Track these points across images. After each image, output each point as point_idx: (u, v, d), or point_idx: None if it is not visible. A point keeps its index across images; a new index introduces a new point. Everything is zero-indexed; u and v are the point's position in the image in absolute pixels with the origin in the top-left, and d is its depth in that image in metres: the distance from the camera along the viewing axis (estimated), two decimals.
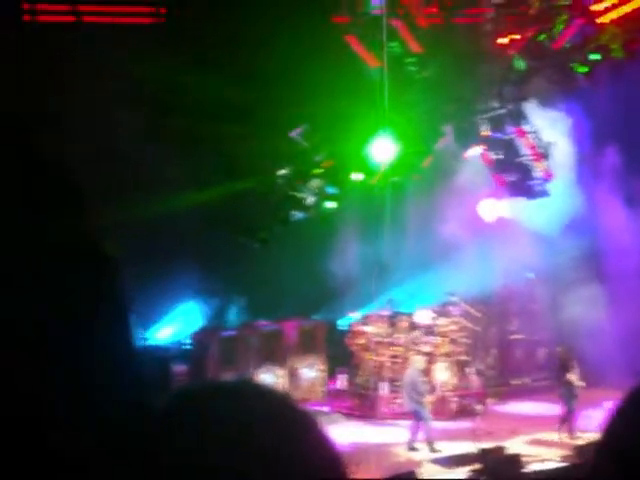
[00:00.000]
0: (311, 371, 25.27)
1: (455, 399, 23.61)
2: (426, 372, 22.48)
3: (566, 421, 20.70)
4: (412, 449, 19.76)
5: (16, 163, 1.33)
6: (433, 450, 19.44)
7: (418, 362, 21.46)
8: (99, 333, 1.33)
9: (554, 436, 20.73)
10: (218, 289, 25.22)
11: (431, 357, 23.88)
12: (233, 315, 25.74)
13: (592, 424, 20.47)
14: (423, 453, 19.45)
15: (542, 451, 19.35)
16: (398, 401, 23.30)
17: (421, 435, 19.93)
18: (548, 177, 23.82)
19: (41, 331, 1.25)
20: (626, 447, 1.43)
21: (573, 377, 20.75)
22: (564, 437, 20.42)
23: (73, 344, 1.29)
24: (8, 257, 1.26)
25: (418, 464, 18.42)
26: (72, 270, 1.32)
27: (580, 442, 19.28)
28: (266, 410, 1.46)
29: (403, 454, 19.59)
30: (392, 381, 24.01)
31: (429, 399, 21.11)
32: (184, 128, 21.09)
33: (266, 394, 1.51)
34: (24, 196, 1.32)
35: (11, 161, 1.33)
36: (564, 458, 18.56)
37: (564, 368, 20.98)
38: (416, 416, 20.10)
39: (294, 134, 22.87)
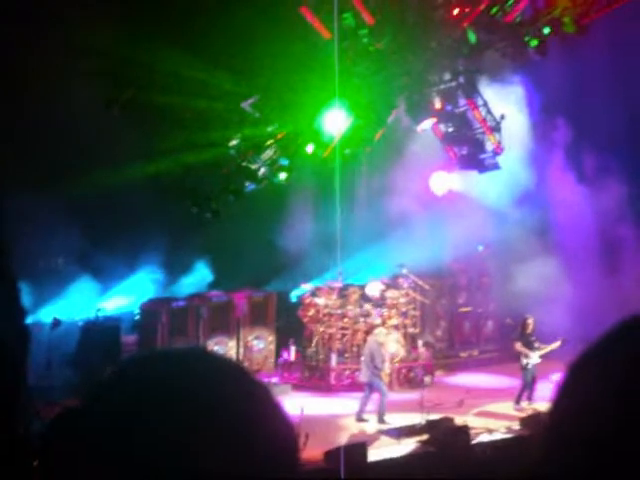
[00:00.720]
0: (261, 342, 25.29)
1: (404, 371, 23.74)
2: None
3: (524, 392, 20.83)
4: (361, 420, 19.84)
5: None
6: (383, 422, 19.52)
7: (379, 334, 21.48)
8: None
9: (501, 407, 20.90)
10: (170, 260, 25.15)
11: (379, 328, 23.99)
12: (184, 286, 25.68)
13: (539, 396, 20.81)
14: (372, 424, 19.54)
15: (489, 422, 19.50)
16: (347, 372, 23.45)
17: (373, 406, 19.99)
18: (499, 150, 23.97)
19: None
20: (566, 423, 1.43)
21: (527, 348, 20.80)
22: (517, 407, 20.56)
23: None
24: None
25: (368, 435, 18.48)
26: None
27: (526, 413, 19.49)
28: (216, 376, 1.44)
29: (353, 425, 19.65)
30: (342, 353, 24.12)
31: (386, 371, 21.16)
32: (136, 100, 20.90)
33: (217, 361, 1.50)
34: None
35: None
36: (511, 429, 18.73)
37: (523, 339, 21.04)
38: (370, 388, 20.14)
39: (246, 105, 22.75)
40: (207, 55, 20.81)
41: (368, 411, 19.98)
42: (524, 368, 20.80)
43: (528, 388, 20.70)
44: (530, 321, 21.14)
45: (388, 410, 19.84)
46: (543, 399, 19.56)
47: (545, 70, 24.27)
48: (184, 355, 1.48)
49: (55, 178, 21.07)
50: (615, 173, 25.66)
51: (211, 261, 25.85)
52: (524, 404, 20.53)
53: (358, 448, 16.45)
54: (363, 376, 20.49)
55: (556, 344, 20.56)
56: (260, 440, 1.41)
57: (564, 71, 25.07)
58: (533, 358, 20.64)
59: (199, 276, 25.83)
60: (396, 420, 19.45)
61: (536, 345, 20.77)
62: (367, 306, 24.66)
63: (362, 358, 21.13)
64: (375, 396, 20.02)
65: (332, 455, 15.71)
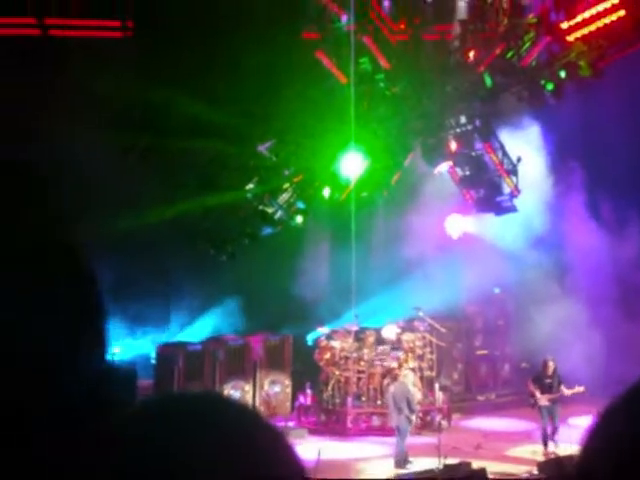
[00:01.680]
0: (277, 386, 25.20)
1: (420, 414, 23.60)
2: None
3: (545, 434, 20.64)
4: (399, 465, 19.67)
5: None
6: (402, 466, 19.38)
7: (408, 376, 21.38)
8: (80, 347, 1.33)
9: (519, 451, 20.76)
10: (186, 303, 25.14)
11: (397, 372, 23.90)
12: (200, 329, 25.66)
13: (557, 440, 20.65)
14: (389, 468, 19.41)
15: (507, 467, 19.36)
16: (364, 416, 23.33)
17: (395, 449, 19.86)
18: (516, 193, 23.96)
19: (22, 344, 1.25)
20: (596, 466, 1.43)
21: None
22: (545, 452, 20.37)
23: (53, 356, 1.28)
24: None
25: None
26: (53, 283, 1.31)
27: (545, 458, 19.34)
28: (232, 421, 1.44)
29: (369, 469, 19.54)
30: (358, 396, 24.01)
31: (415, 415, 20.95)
32: (154, 144, 21.04)
33: (232, 405, 1.50)
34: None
35: None
36: (529, 474, 18.58)
37: (537, 379, 20.89)
38: (398, 431, 20.03)
39: (262, 148, 22.87)
40: (224, 99, 20.93)
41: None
42: (536, 408, 20.65)
43: (546, 429, 20.49)
44: (550, 363, 20.96)
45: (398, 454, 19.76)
46: (563, 443, 19.44)
47: (560, 114, 24.29)
48: (197, 399, 1.48)
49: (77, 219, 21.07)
50: (633, 217, 25.59)
51: (226, 304, 25.80)
52: (552, 446, 20.27)
53: None
54: (393, 420, 20.36)
55: (577, 389, 20.38)
56: None
57: (579, 115, 25.12)
58: (541, 400, 20.48)
59: (213, 319, 25.79)
60: (413, 465, 19.33)
61: (553, 387, 20.58)
62: (383, 349, 24.57)
63: (389, 402, 20.95)
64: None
65: None
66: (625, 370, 16.18)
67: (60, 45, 22.10)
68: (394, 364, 24.07)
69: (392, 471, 19.23)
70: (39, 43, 22.12)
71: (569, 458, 17.15)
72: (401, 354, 24.40)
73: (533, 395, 20.64)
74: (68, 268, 1.39)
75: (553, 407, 20.51)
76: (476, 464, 18.62)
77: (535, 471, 18.60)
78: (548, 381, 20.74)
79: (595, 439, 1.46)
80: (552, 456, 19.32)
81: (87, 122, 20.93)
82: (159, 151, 20.96)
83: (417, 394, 23.54)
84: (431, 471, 18.48)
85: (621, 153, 25.39)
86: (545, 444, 20.37)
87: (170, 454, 1.33)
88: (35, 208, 1.37)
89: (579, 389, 20.30)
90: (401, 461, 19.54)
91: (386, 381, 23.99)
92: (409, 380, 21.17)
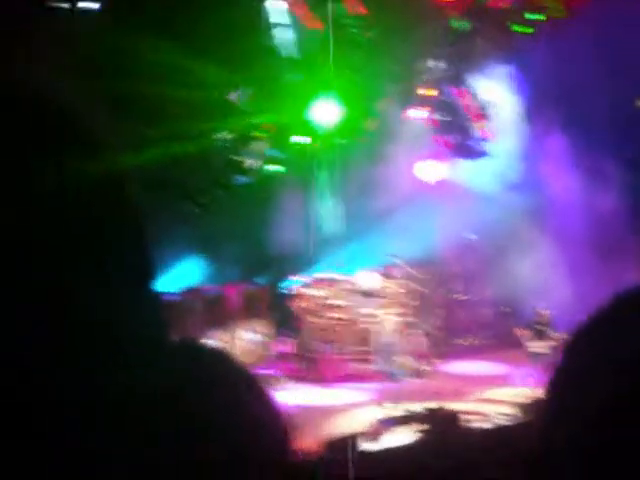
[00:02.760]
0: (255, 335, 25.31)
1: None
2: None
3: None
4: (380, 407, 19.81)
5: (31, 110, 1.30)
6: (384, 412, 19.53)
7: (390, 323, 21.53)
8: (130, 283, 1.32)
9: (500, 394, 20.93)
10: (160, 254, 25.10)
11: (374, 319, 24.06)
12: (175, 280, 25.66)
13: (535, 382, 20.83)
14: (368, 414, 19.53)
15: (488, 409, 19.53)
16: (342, 363, 23.50)
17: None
18: (488, 137, 24.05)
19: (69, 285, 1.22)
20: (559, 400, 1.40)
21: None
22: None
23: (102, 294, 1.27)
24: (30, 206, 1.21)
25: (364, 425, 18.48)
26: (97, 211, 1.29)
27: (525, 400, 19.51)
28: (215, 369, 1.42)
29: (348, 416, 19.67)
30: (336, 343, 24.17)
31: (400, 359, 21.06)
32: (123, 91, 20.85)
33: (215, 354, 1.48)
34: (47, 147, 1.28)
35: (25, 109, 1.30)
36: (510, 416, 18.76)
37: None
38: (389, 376, 20.22)
39: (234, 96, 22.76)
40: (193, 45, 20.76)
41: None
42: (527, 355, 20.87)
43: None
44: (544, 312, 21.19)
45: (386, 399, 19.87)
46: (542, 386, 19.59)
47: (534, 55, 24.26)
48: (175, 346, 1.46)
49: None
50: (610, 160, 25.63)
51: (201, 255, 25.84)
52: None
53: (353, 437, 16.43)
54: (380, 366, 20.55)
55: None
56: (250, 429, 1.38)
57: (553, 56, 25.05)
58: (534, 347, 20.65)
59: (190, 270, 25.81)
60: (392, 409, 19.46)
61: (545, 334, 20.75)
62: (361, 297, 24.71)
63: (372, 348, 21.14)
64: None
65: (327, 445, 15.69)
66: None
67: None
68: (371, 311, 24.23)
69: (373, 417, 19.37)
70: None
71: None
72: (380, 301, 24.55)
73: (527, 344, 20.86)
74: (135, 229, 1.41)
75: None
76: (456, 407, 18.81)
77: (517, 412, 18.79)
78: (540, 327, 20.95)
79: (559, 373, 1.44)
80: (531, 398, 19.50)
81: (55, 68, 20.70)
82: (128, 98, 20.79)
83: (397, 339, 23.74)
84: (411, 416, 18.63)
85: (596, 97, 25.38)
86: None
87: (146, 400, 1.29)
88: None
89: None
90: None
91: (362, 327, 24.18)
92: (390, 327, 21.33)
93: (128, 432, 1.28)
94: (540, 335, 20.73)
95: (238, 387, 1.43)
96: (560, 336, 20.62)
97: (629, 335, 1.33)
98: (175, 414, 1.32)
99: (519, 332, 21.09)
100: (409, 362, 23.49)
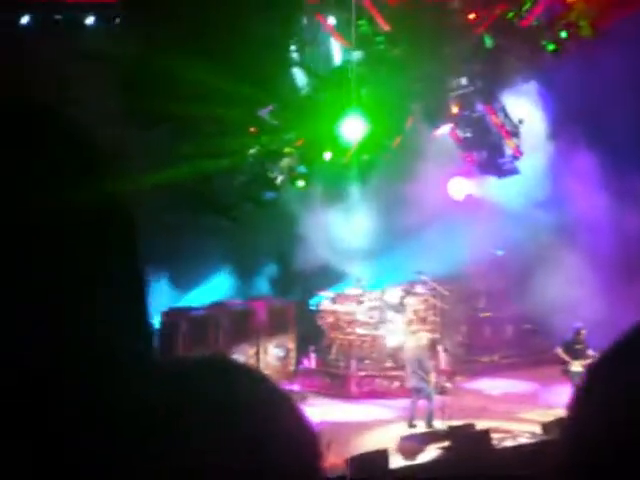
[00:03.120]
0: (281, 350, 25.26)
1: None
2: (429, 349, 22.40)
3: None
4: (412, 426, 19.76)
5: (41, 129, 1.32)
6: (431, 426, 19.50)
7: (422, 339, 21.43)
8: (123, 300, 1.33)
9: (523, 412, 20.85)
10: (189, 268, 25.11)
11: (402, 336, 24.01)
12: (204, 295, 25.70)
13: (560, 400, 20.73)
14: (393, 431, 19.50)
15: (512, 427, 19.46)
16: (367, 379, 23.43)
17: (421, 411, 19.92)
18: (518, 155, 23.95)
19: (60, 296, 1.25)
20: (580, 426, 1.43)
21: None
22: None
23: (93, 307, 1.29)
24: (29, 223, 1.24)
25: (390, 442, 18.44)
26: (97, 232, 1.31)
27: (549, 418, 19.41)
28: (247, 386, 1.45)
29: (374, 432, 19.65)
30: (362, 359, 24.10)
31: (433, 376, 20.88)
32: (155, 109, 20.93)
33: (236, 367, 1.51)
34: (49, 161, 1.31)
35: (36, 127, 1.32)
36: (534, 435, 18.69)
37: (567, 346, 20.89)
38: (417, 393, 20.11)
39: (264, 113, 22.80)
40: (225, 63, 20.80)
41: (418, 417, 19.94)
42: (568, 374, 20.61)
43: None
44: (583, 330, 20.99)
45: (408, 417, 19.85)
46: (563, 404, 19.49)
47: (562, 74, 24.18)
48: (203, 361, 1.49)
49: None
50: (636, 180, 25.43)
51: (229, 269, 25.82)
52: None
53: (380, 455, 16.43)
54: (410, 382, 20.45)
55: None
56: (282, 446, 1.39)
57: (580, 76, 24.96)
58: (574, 365, 20.44)
59: (218, 284, 25.80)
60: (418, 427, 19.44)
61: (582, 354, 20.54)
62: (387, 313, 24.65)
63: (406, 364, 21.03)
64: (421, 402, 19.99)
65: (354, 462, 15.70)
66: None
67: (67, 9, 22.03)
68: (398, 327, 24.17)
69: (398, 433, 19.32)
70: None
71: None
72: (404, 317, 24.48)
73: (565, 362, 20.65)
74: (126, 237, 1.40)
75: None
76: (480, 425, 18.74)
77: (539, 432, 18.71)
78: (579, 347, 20.75)
79: (581, 398, 1.46)
80: (554, 417, 19.39)
81: (92, 87, 20.83)
82: (160, 117, 20.86)
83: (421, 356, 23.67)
84: (435, 433, 18.60)
85: (623, 115, 25.27)
86: None
87: (182, 414, 1.33)
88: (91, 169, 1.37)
89: None
90: (430, 422, 19.60)
91: (390, 344, 24.12)
92: (422, 342, 21.20)
93: (149, 448, 1.29)
94: (577, 354, 20.50)
95: (267, 403, 1.43)
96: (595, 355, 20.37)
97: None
98: (202, 432, 1.33)
99: (558, 351, 20.87)
100: (432, 379, 23.45)
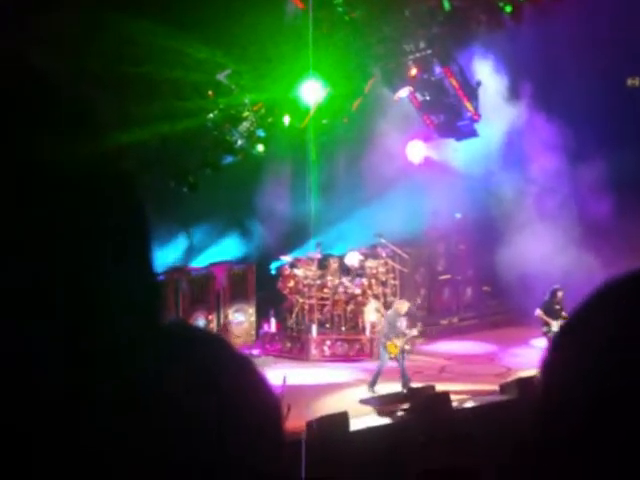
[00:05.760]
0: (242, 315, 25.29)
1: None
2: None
3: None
4: (372, 389, 19.77)
5: (22, 83, 1.29)
6: (372, 390, 19.55)
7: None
8: (127, 262, 1.31)
9: (482, 373, 21.01)
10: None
11: (360, 299, 24.09)
12: (162, 260, 25.60)
13: (519, 361, 20.94)
14: (354, 394, 19.60)
15: (471, 389, 19.62)
16: (328, 343, 23.52)
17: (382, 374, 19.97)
18: (476, 117, 23.98)
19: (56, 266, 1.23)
20: (552, 393, 1.44)
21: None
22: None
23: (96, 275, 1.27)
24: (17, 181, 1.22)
25: (349, 404, 18.54)
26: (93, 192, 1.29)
27: (507, 379, 19.60)
28: (209, 353, 1.45)
29: (334, 395, 19.72)
30: (322, 323, 24.18)
31: (395, 343, 20.76)
32: (110, 72, 20.71)
33: (197, 332, 1.51)
34: (37, 118, 1.28)
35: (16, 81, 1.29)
36: (492, 395, 18.85)
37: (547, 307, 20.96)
38: (375, 356, 20.21)
39: (221, 76, 22.64)
40: (181, 25, 20.61)
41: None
42: (546, 335, 20.68)
43: None
44: (559, 292, 21.05)
45: (369, 379, 19.94)
46: (526, 365, 19.71)
47: (519, 37, 24.19)
48: (165, 328, 1.48)
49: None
50: (592, 141, 25.54)
51: (188, 234, 25.72)
52: None
53: (339, 417, 16.52)
54: (366, 344, 20.54)
55: None
56: (245, 410, 1.40)
57: (538, 38, 24.98)
58: (554, 326, 20.52)
59: (177, 249, 25.70)
60: (378, 389, 19.53)
61: (562, 314, 20.64)
62: (346, 276, 24.72)
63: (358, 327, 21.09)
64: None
65: (313, 425, 15.79)
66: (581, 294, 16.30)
67: None
68: (357, 291, 24.26)
69: (357, 396, 19.42)
70: None
71: (530, 379, 17.42)
72: (364, 281, 24.56)
73: (547, 323, 20.73)
74: (122, 194, 1.38)
75: None
76: (440, 387, 18.88)
77: (498, 392, 18.88)
78: (558, 307, 20.84)
79: (550, 366, 1.47)
80: (512, 377, 19.57)
81: (49, 45, 20.56)
82: (116, 78, 20.63)
83: (380, 319, 23.74)
84: (395, 395, 18.71)
85: (580, 76, 25.36)
86: None
87: (147, 382, 1.33)
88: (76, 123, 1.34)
89: None
90: (372, 385, 19.68)
91: (350, 308, 24.22)
92: (402, 309, 21.19)
93: (115, 418, 1.27)
94: (557, 314, 20.56)
95: (230, 368, 1.44)
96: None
97: (613, 325, 1.37)
98: (167, 398, 1.33)
99: (538, 312, 20.94)
100: (393, 341, 23.56)
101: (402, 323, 20.69)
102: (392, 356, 19.95)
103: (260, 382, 1.47)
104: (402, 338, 20.24)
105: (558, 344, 1.46)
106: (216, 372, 1.41)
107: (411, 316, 25.15)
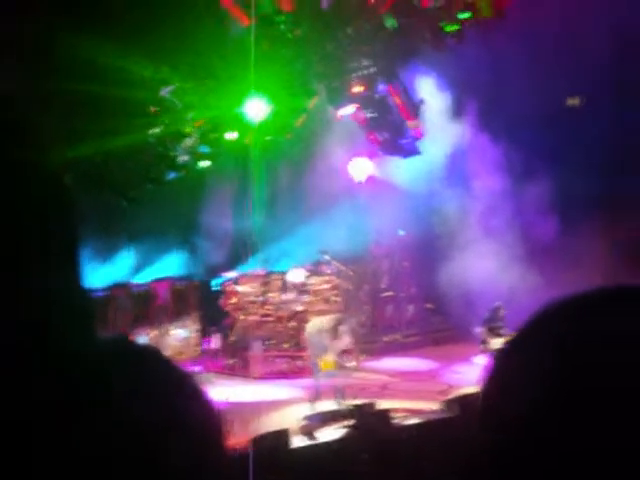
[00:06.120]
0: (184, 331, 25.21)
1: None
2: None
3: None
4: (313, 406, 19.70)
5: None
6: (313, 408, 19.52)
7: (317, 320, 21.42)
8: (54, 271, 1.28)
9: (425, 390, 21.08)
10: (87, 250, 24.85)
11: (303, 315, 24.08)
12: (103, 276, 25.45)
13: (461, 379, 21.03)
14: (296, 411, 19.57)
15: (414, 405, 19.67)
16: (270, 360, 23.50)
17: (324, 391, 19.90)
18: (419, 135, 24.15)
19: None
20: (492, 410, 1.45)
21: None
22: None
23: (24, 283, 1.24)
24: None
25: (292, 422, 18.51)
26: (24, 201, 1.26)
27: (449, 396, 19.67)
28: (151, 369, 1.43)
29: (277, 413, 19.67)
30: (264, 340, 24.14)
31: (332, 356, 20.75)
32: (53, 87, 20.58)
33: (138, 348, 1.49)
34: None
35: None
36: (435, 412, 18.90)
37: (488, 325, 21.03)
38: (317, 373, 20.13)
39: (165, 92, 22.62)
40: (124, 42, 20.56)
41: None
42: (488, 352, 20.74)
43: None
44: (501, 311, 21.15)
45: (314, 396, 19.90)
46: (467, 382, 19.81)
47: (462, 56, 24.40)
48: (106, 344, 1.46)
49: None
50: (535, 160, 25.79)
51: (129, 250, 25.61)
52: None
53: (281, 435, 16.47)
54: (307, 362, 20.52)
55: None
56: (186, 428, 1.39)
57: (482, 57, 25.23)
58: (494, 344, 20.61)
59: (119, 265, 25.58)
60: (320, 406, 19.51)
61: (501, 332, 20.74)
62: (289, 293, 24.72)
63: (301, 344, 21.09)
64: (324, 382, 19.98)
65: (256, 442, 15.71)
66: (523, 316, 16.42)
67: None
68: (300, 308, 24.27)
69: (301, 413, 19.39)
70: None
71: (472, 395, 17.50)
72: (307, 297, 24.59)
73: (485, 341, 20.80)
74: (56, 199, 1.35)
75: None
76: (383, 404, 18.90)
77: (442, 408, 18.94)
78: (498, 325, 20.94)
79: (492, 382, 1.48)
80: (455, 394, 19.64)
81: None
82: (60, 95, 20.51)
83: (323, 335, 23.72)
84: (338, 412, 18.70)
85: (522, 95, 25.61)
86: None
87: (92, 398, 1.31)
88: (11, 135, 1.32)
89: None
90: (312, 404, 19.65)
91: (292, 324, 24.21)
92: (316, 323, 21.22)
93: (55, 431, 1.27)
94: (497, 332, 20.68)
95: (170, 385, 1.44)
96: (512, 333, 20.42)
97: (554, 346, 1.39)
98: (106, 414, 1.31)
99: (478, 329, 21.06)
100: (335, 359, 23.55)
101: (325, 337, 20.65)
102: (328, 372, 19.94)
103: (202, 399, 1.47)
104: (331, 352, 20.23)
105: (501, 361, 1.47)
106: (155, 383, 1.39)
107: (353, 333, 25.28)
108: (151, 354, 1.49)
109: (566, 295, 1.46)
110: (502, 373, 1.47)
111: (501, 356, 1.51)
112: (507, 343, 1.51)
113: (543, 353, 1.39)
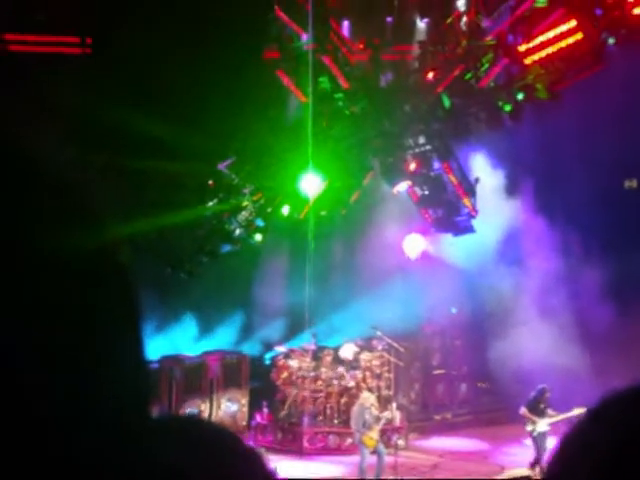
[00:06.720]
0: (234, 404, 25.11)
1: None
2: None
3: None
4: None
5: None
6: None
7: (366, 399, 21.27)
8: (116, 345, 1.31)
9: (475, 470, 20.80)
10: (148, 320, 24.93)
11: (354, 392, 23.91)
12: (157, 348, 25.52)
13: (513, 460, 20.74)
14: None
15: None
16: (320, 435, 23.31)
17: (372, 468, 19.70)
18: (473, 213, 24.07)
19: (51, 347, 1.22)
20: None
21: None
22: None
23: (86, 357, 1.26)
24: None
25: None
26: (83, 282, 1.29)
27: (500, 477, 19.40)
28: (216, 443, 1.45)
29: None
30: (315, 415, 23.98)
31: (373, 436, 20.50)
32: (112, 162, 20.89)
33: (213, 429, 1.51)
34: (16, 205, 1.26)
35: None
36: None
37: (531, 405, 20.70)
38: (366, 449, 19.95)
39: (222, 167, 22.86)
40: (182, 118, 20.83)
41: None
42: (531, 434, 20.37)
43: (540, 453, 20.09)
44: (547, 393, 20.80)
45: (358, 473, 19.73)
46: (519, 464, 19.52)
47: (519, 135, 24.44)
48: (180, 424, 1.49)
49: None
50: (592, 242, 25.57)
51: (183, 322, 25.68)
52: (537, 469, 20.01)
53: None
54: (356, 439, 20.33)
55: (574, 412, 19.79)
56: None
57: (537, 137, 25.26)
58: (539, 425, 20.23)
59: (171, 337, 25.64)
60: None
61: (547, 412, 20.35)
62: (341, 369, 24.58)
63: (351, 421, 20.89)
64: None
65: None
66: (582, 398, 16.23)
67: (21, 61, 21.92)
68: (351, 383, 24.11)
69: None
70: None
71: (525, 478, 17.23)
72: (359, 373, 24.44)
73: (529, 421, 20.43)
74: (118, 286, 1.38)
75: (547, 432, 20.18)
76: None
77: None
78: (543, 406, 20.59)
79: (555, 466, 1.49)
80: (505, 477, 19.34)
81: (44, 140, 20.65)
82: (117, 170, 20.80)
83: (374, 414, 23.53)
84: None
85: (577, 176, 25.55)
86: (534, 465, 20.04)
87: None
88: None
89: (574, 412, 19.66)
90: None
91: (343, 400, 24.04)
92: (368, 401, 21.05)
93: None
94: (542, 413, 20.29)
95: (246, 462, 1.46)
96: (558, 415, 19.99)
97: (614, 437, 1.39)
98: None
99: (523, 410, 20.69)
100: (385, 436, 23.35)
101: (370, 415, 20.46)
102: (371, 450, 19.74)
103: (271, 475, 1.47)
104: (375, 429, 20.05)
105: (562, 449, 1.47)
106: (232, 464, 1.41)
107: (404, 409, 25.06)
108: (223, 432, 1.51)
109: (627, 387, 1.46)
110: (565, 459, 1.47)
111: (565, 443, 1.51)
112: (573, 429, 1.51)
113: (601, 446, 1.40)
